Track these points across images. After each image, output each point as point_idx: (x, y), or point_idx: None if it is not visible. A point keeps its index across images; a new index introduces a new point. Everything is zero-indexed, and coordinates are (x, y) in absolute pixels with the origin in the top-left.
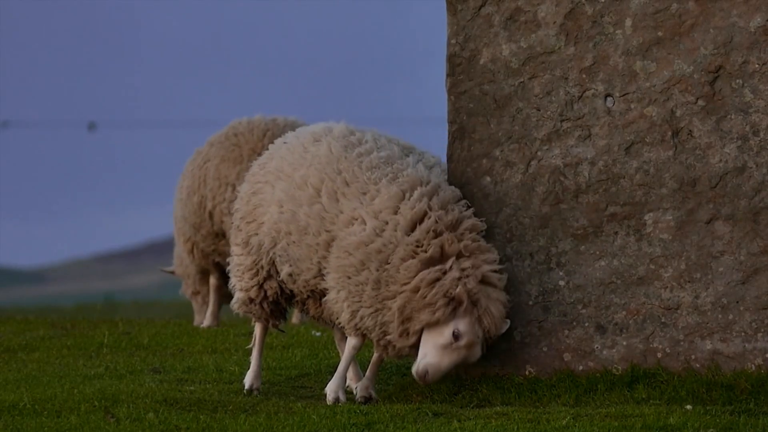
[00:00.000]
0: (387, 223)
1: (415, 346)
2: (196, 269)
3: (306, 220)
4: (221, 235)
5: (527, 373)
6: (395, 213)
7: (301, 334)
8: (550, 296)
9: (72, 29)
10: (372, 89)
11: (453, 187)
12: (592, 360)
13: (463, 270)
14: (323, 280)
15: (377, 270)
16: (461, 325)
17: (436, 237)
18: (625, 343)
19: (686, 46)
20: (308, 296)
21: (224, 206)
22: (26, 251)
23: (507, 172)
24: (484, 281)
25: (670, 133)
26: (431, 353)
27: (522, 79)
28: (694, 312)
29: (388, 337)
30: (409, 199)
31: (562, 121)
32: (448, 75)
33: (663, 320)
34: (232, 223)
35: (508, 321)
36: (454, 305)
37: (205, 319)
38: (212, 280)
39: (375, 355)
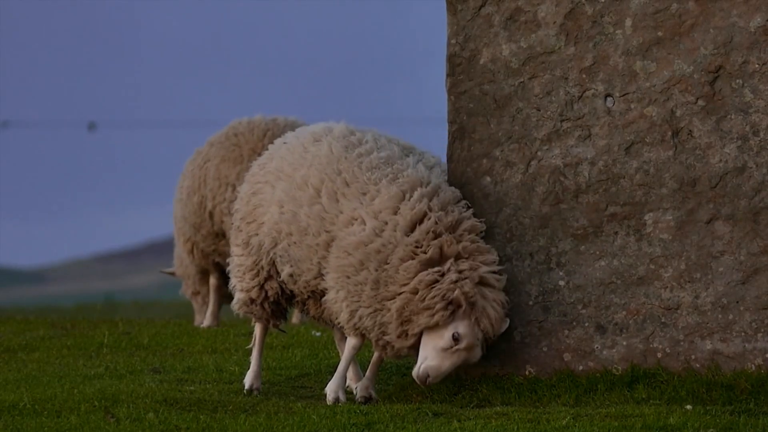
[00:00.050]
0: (386, 223)
1: (414, 347)
2: (196, 269)
3: (306, 221)
4: (221, 236)
5: (527, 373)
6: (395, 213)
7: (301, 334)
8: (550, 296)
9: (72, 29)
10: (372, 89)
11: (453, 188)
12: (592, 360)
13: (460, 272)
14: (323, 280)
15: (376, 270)
16: (461, 327)
17: (435, 238)
18: (625, 343)
19: (686, 46)
20: (309, 297)
21: (224, 206)
22: (26, 251)
23: (507, 172)
24: (481, 283)
25: (670, 133)
26: (431, 356)
27: (522, 79)
28: (694, 312)
29: (386, 338)
30: (409, 200)
31: (562, 121)
32: (448, 75)
33: (663, 320)
34: (232, 223)
35: (508, 320)
36: (452, 308)
37: (205, 319)
38: (212, 281)
39: (375, 355)
